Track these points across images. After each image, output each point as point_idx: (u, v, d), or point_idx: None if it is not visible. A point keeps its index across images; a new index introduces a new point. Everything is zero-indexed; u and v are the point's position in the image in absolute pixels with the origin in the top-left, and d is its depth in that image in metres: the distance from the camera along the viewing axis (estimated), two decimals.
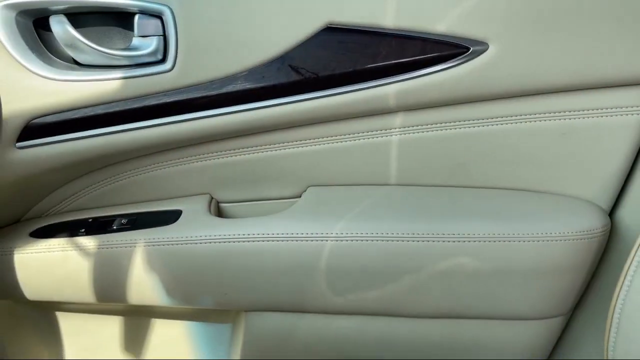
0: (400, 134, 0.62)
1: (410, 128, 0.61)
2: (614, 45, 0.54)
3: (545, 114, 0.59)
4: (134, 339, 0.71)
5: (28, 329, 0.70)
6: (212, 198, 0.69)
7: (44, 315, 0.71)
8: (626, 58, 0.54)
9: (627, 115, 0.58)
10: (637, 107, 0.57)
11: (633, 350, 0.42)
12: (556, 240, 0.57)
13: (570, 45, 0.54)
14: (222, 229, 0.61)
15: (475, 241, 0.57)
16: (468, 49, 0.56)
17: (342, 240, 0.58)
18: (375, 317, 0.61)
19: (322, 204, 0.63)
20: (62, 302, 0.68)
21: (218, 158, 0.66)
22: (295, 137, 0.64)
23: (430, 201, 0.61)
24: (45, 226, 0.66)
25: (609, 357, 0.44)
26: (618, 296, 0.43)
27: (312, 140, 0.64)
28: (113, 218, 0.65)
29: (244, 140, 0.64)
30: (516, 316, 0.60)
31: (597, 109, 0.58)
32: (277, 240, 0.59)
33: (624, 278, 0.43)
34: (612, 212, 0.62)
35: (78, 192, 0.67)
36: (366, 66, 0.58)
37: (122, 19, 0.59)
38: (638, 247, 0.43)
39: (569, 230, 0.57)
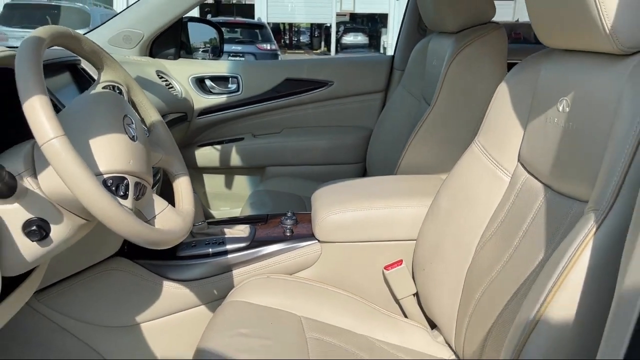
0: (312, 110, 2.02)
1: (312, 109, 2.02)
2: (362, 80, 1.97)
3: (346, 103, 2.00)
4: (223, 187, 2.09)
5: None
6: (252, 134, 2.07)
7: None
8: (365, 86, 1.97)
9: (375, 101, 2.00)
10: (377, 99, 2.00)
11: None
12: (349, 134, 1.98)
13: (350, 80, 1.97)
14: (258, 142, 2.00)
15: (320, 141, 1.98)
16: (327, 83, 1.97)
17: (293, 140, 1.98)
18: (300, 166, 2.01)
19: (289, 133, 2.03)
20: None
21: (254, 120, 2.05)
22: (276, 113, 2.04)
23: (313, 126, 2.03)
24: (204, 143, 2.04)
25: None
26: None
27: (282, 113, 2.03)
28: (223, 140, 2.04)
29: (260, 114, 2.03)
30: (350, 162, 2.01)
31: (364, 100, 2.00)
32: (273, 144, 1.99)
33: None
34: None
35: (209, 133, 2.05)
36: (297, 90, 1.98)
37: (225, 79, 1.98)
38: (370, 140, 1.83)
39: (357, 136, 1.98)
